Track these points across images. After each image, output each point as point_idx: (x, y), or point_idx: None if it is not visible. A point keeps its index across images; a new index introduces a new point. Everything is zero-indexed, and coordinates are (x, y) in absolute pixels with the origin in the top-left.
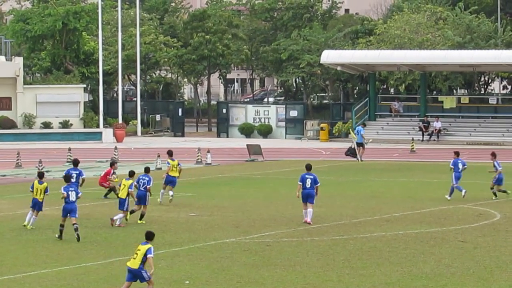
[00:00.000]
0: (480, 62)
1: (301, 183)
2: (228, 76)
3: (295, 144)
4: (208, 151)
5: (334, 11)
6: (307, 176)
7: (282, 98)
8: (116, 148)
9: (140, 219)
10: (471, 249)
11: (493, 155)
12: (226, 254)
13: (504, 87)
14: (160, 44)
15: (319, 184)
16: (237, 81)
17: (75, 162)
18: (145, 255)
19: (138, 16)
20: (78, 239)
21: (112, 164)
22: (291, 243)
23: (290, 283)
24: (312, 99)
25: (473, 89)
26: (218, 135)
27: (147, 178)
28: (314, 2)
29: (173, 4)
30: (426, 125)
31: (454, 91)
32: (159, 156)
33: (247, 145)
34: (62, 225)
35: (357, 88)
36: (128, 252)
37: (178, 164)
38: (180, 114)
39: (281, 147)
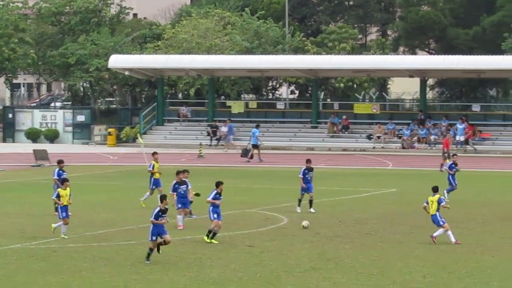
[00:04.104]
0: (268, 67)
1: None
2: (15, 81)
3: (82, 149)
4: None
5: (122, 15)
6: None
7: (70, 103)
8: None
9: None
10: (258, 254)
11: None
12: (12, 260)
13: (292, 92)
14: None
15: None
16: (23, 86)
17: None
18: (439, 203)
19: None
20: None
21: None
22: (78, 248)
23: None
24: (100, 104)
25: (261, 94)
26: (4, 140)
27: None
28: (102, 6)
29: None
30: (214, 129)
31: (243, 96)
32: None
33: (34, 150)
34: None
35: (145, 92)
36: None
37: None
38: None
39: (69, 152)
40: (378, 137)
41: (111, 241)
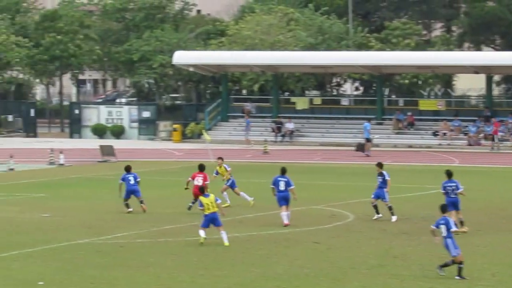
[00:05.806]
0: (332, 64)
1: (273, 186)
2: (81, 77)
3: (148, 145)
4: (61, 152)
5: (186, 12)
6: (280, 179)
7: (135, 99)
8: None
9: None
10: (324, 250)
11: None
12: (79, 255)
13: (357, 89)
14: (12, 44)
15: (293, 187)
16: (89, 82)
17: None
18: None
19: None
20: None
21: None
22: (144, 244)
23: (144, 284)
24: (164, 100)
25: (325, 91)
26: (71, 136)
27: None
28: (167, 2)
29: (25, 4)
30: (279, 126)
31: (307, 92)
32: (12, 156)
33: (100, 145)
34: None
35: (209, 89)
36: None
37: None
38: (32, 114)
39: (134, 147)
40: (444, 134)
41: (178, 237)
